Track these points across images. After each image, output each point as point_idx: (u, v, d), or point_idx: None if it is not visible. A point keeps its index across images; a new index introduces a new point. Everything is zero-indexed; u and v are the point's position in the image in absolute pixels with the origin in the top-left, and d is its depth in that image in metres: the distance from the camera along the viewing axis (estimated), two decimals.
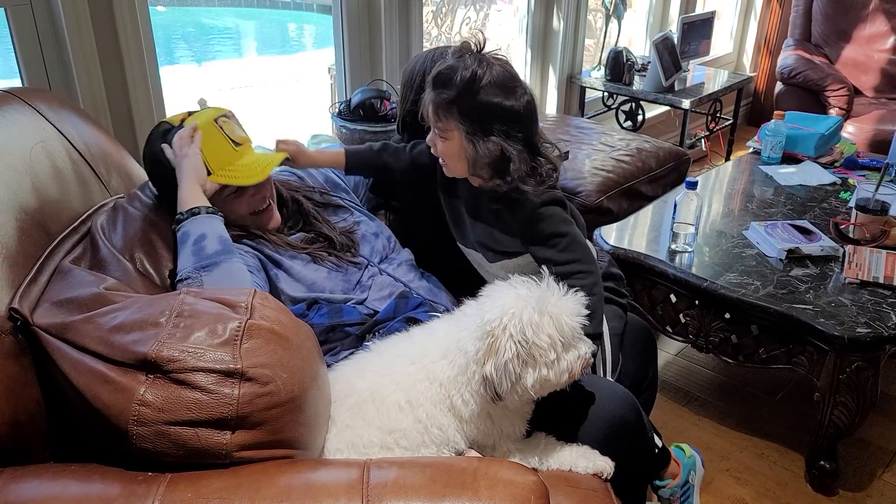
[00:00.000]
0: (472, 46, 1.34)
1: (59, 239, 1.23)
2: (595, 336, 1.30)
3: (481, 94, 1.30)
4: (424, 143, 1.45)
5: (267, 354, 0.96)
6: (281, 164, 1.49)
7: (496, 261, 1.47)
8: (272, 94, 6.17)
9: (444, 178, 1.46)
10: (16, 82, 1.74)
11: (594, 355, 1.21)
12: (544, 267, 1.17)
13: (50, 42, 1.68)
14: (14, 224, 1.14)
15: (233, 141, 1.41)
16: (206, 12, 9.43)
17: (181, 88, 5.09)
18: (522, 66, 3.24)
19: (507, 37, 4.60)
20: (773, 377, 2.29)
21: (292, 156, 1.50)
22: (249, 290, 1.04)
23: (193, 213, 1.26)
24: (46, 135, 1.36)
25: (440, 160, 1.42)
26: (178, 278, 1.21)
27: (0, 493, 0.88)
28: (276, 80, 6.70)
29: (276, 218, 1.47)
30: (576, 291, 1.17)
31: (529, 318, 1.10)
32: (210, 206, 1.29)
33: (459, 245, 1.55)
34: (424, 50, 1.73)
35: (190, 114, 1.45)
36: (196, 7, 9.48)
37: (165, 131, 1.40)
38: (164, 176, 1.37)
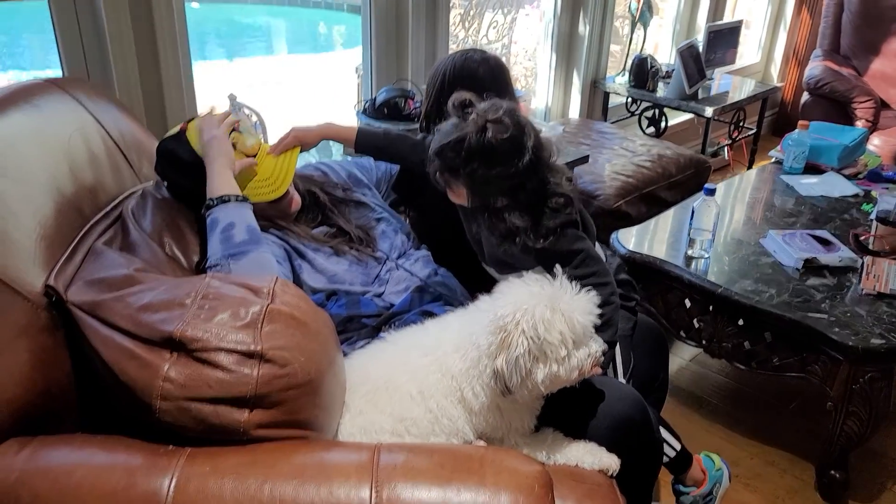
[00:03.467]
0: (473, 100, 1.32)
1: (93, 221, 1.28)
2: (610, 345, 1.33)
3: (484, 169, 1.29)
4: None
5: (286, 338, 1.00)
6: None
7: (507, 273, 1.48)
8: (301, 92, 6.25)
9: None
10: (55, 72, 1.81)
11: (607, 357, 1.24)
12: (558, 266, 1.20)
13: (90, 34, 1.74)
14: (52, 206, 1.20)
15: (247, 157, 1.44)
16: (238, 9, 9.57)
17: (212, 84, 5.18)
18: (547, 70, 3.27)
19: (533, 41, 4.63)
20: (784, 385, 2.29)
21: (297, 141, 1.51)
22: (271, 277, 1.08)
23: (223, 200, 1.30)
24: (84, 122, 1.42)
25: None
26: (207, 264, 1.25)
27: (31, 458, 0.93)
28: (306, 78, 6.78)
29: (297, 199, 1.51)
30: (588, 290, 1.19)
31: (542, 314, 1.13)
32: (240, 194, 1.34)
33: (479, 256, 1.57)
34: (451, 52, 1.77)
35: (189, 121, 1.46)
36: (229, 4, 9.62)
37: (177, 138, 1.43)
38: (173, 178, 1.42)
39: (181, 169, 1.40)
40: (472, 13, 4.02)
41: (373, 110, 2.23)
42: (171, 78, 1.87)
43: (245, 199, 1.33)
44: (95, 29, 1.74)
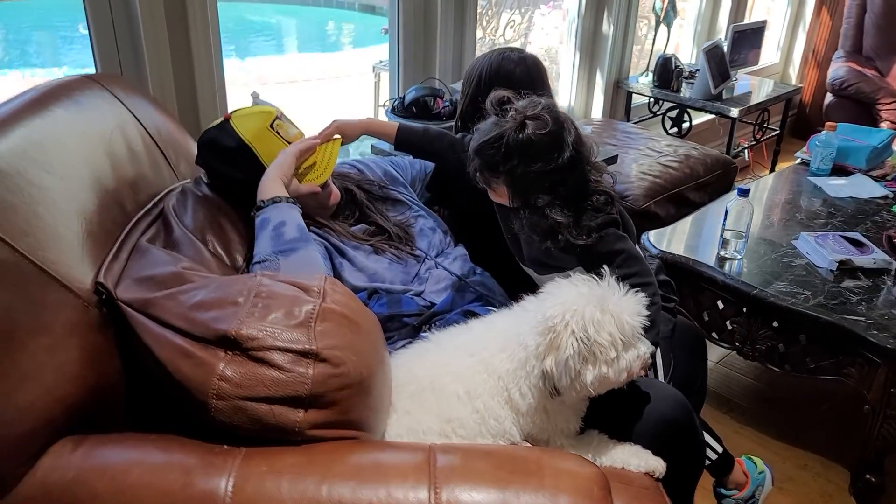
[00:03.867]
0: (512, 97, 1.31)
1: (136, 218, 1.27)
2: (654, 345, 1.31)
3: (524, 165, 1.28)
4: None
5: (339, 337, 0.99)
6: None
7: (546, 274, 1.48)
8: (315, 91, 6.25)
9: None
10: (70, 70, 1.81)
11: (653, 357, 1.23)
12: (606, 267, 1.19)
13: (124, 30, 1.74)
14: (96, 202, 1.19)
15: (289, 143, 1.45)
16: (247, 8, 9.58)
17: (228, 83, 5.18)
18: (569, 70, 3.25)
19: (549, 40, 4.61)
20: (813, 388, 2.28)
21: (338, 131, 1.53)
22: (321, 276, 1.07)
23: (275, 201, 1.31)
24: (123, 119, 1.41)
25: None
26: (255, 260, 1.25)
27: (87, 456, 0.92)
28: (319, 77, 6.78)
29: (336, 193, 1.51)
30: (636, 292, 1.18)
31: (591, 315, 1.11)
32: (290, 196, 1.34)
33: (516, 257, 1.57)
34: (487, 51, 1.76)
35: (232, 113, 1.48)
36: (238, 3, 9.64)
37: (221, 127, 1.45)
38: (217, 167, 1.44)
39: (225, 156, 1.41)
40: (490, 13, 4.01)
41: (401, 109, 2.22)
42: (203, 75, 1.86)
43: (295, 202, 1.33)
44: (129, 25, 1.74)
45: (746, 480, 1.56)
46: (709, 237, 2.17)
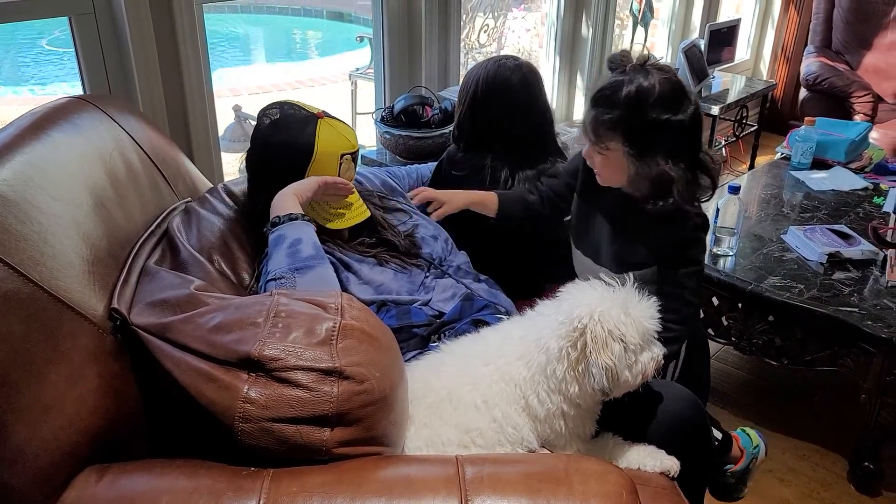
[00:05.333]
0: (634, 59, 1.27)
1: (141, 240, 1.26)
2: (669, 356, 1.34)
3: (647, 113, 1.23)
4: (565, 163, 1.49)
5: (361, 354, 0.99)
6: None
7: (621, 272, 1.47)
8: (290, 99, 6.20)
9: (589, 184, 1.44)
10: (67, 87, 1.78)
11: (668, 362, 1.24)
12: (630, 274, 1.19)
13: (112, 49, 1.71)
14: (101, 226, 1.17)
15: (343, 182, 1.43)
16: (213, 18, 9.49)
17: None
18: (550, 73, 3.27)
19: (523, 43, 4.64)
20: (806, 379, 2.32)
21: (444, 202, 1.57)
22: (336, 292, 1.07)
23: (291, 217, 1.30)
24: (120, 140, 1.39)
25: (595, 170, 1.39)
26: (270, 277, 1.24)
27: (113, 486, 0.91)
28: (291, 85, 6.73)
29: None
30: (665, 312, 1.19)
31: (618, 316, 1.12)
32: (305, 214, 1.33)
33: (574, 247, 1.56)
34: (481, 60, 1.77)
35: (325, 114, 1.47)
36: (205, 13, 9.55)
37: (306, 118, 1.43)
38: (277, 164, 1.42)
39: (286, 138, 1.41)
40: (465, 18, 4.03)
41: (391, 118, 2.22)
42: (194, 90, 1.84)
43: (310, 220, 1.33)
44: (117, 43, 1.72)
45: (742, 455, 1.59)
46: None
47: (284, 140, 1.41)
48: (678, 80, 1.27)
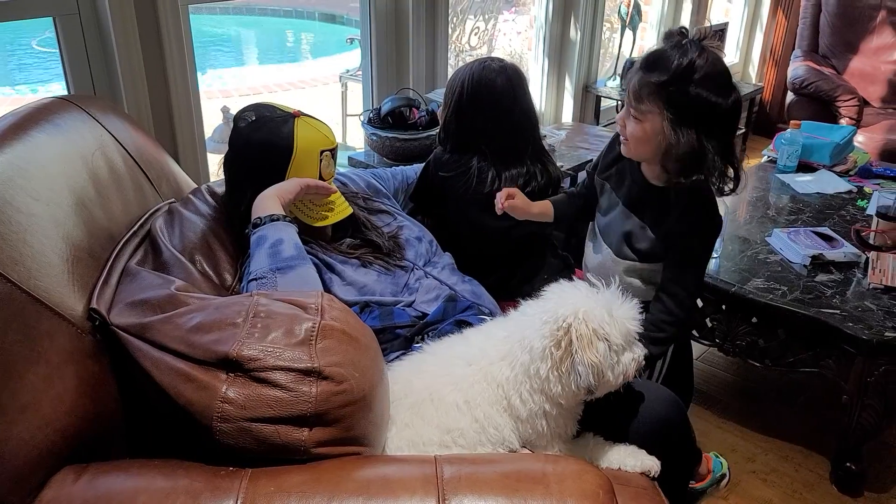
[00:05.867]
0: (694, 34, 1.29)
1: (123, 241, 1.26)
2: (656, 356, 1.35)
3: (695, 86, 1.26)
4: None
5: (340, 354, 1.00)
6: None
7: (625, 259, 1.47)
8: (281, 101, 6.20)
9: (613, 163, 1.46)
10: (57, 88, 1.78)
11: (652, 363, 1.25)
12: (617, 276, 1.20)
13: (96, 49, 1.71)
14: (82, 226, 1.17)
15: (321, 178, 1.45)
16: (207, 20, 9.47)
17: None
18: (539, 75, 3.29)
19: (514, 46, 4.65)
20: (789, 381, 2.33)
21: (515, 207, 1.57)
22: (317, 292, 1.08)
23: (273, 218, 1.30)
24: (103, 141, 1.39)
25: (621, 138, 1.39)
26: (251, 277, 1.24)
27: (90, 485, 0.91)
28: (283, 87, 6.73)
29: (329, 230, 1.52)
30: (662, 312, 1.21)
31: (601, 316, 1.13)
32: (287, 215, 1.33)
33: (593, 229, 1.58)
34: (468, 62, 1.78)
35: (301, 113, 1.47)
36: (199, 14, 9.53)
37: (283, 118, 1.44)
38: (245, 144, 1.43)
39: (265, 140, 1.42)
40: (455, 20, 4.04)
41: (378, 120, 2.22)
42: (179, 91, 1.84)
43: (292, 221, 1.33)
44: (102, 44, 1.71)
45: (707, 475, 1.61)
46: None
47: (263, 139, 1.41)
48: (726, 66, 1.30)
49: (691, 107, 1.27)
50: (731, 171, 1.34)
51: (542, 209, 1.63)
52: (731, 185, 1.35)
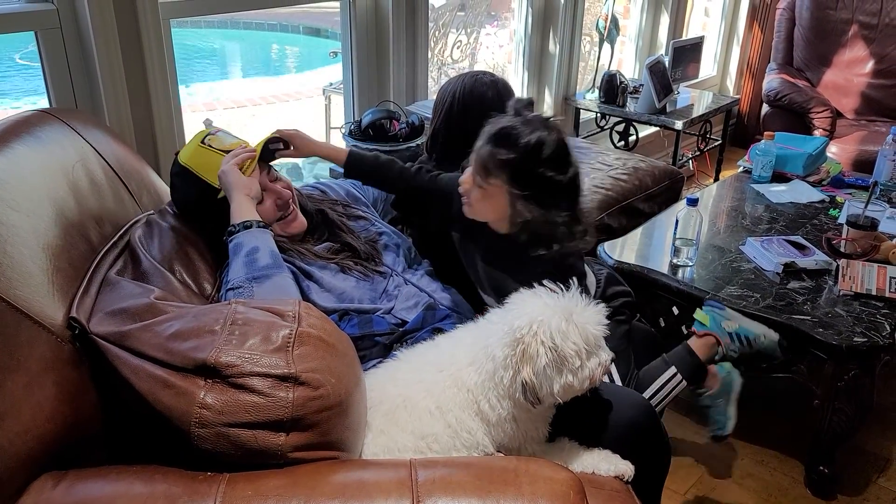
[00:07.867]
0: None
1: (103, 251, 1.28)
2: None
3: (539, 166, 1.33)
4: (449, 177, 1.49)
5: (317, 360, 1.02)
6: (279, 151, 1.57)
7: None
8: (265, 114, 6.22)
9: (463, 217, 1.48)
10: (41, 101, 1.79)
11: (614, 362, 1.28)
12: (574, 279, 1.23)
13: (78, 63, 1.73)
14: (62, 237, 1.19)
15: (225, 151, 1.49)
16: (191, 33, 9.47)
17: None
18: (519, 88, 3.33)
19: (496, 59, 4.71)
20: (764, 387, 2.37)
21: (291, 139, 1.57)
22: (294, 301, 1.10)
23: (246, 225, 1.32)
24: (84, 153, 1.41)
25: (464, 198, 1.44)
26: (228, 287, 1.26)
27: (69, 492, 0.92)
28: (267, 100, 6.75)
29: (301, 221, 1.54)
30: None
31: (558, 325, 1.16)
32: (261, 220, 1.35)
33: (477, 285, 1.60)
34: (457, 74, 1.82)
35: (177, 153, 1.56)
36: (183, 28, 9.53)
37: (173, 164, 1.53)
38: (175, 197, 1.52)
39: (175, 184, 1.51)
40: (437, 34, 4.09)
41: (359, 132, 2.25)
42: (160, 104, 1.86)
43: (267, 226, 1.35)
44: (83, 57, 1.73)
45: (715, 381, 1.70)
46: (660, 246, 2.25)
47: (174, 185, 1.53)
48: (567, 142, 1.37)
49: (533, 184, 1.34)
50: (576, 228, 1.40)
51: (331, 155, 1.63)
52: (588, 245, 1.43)
